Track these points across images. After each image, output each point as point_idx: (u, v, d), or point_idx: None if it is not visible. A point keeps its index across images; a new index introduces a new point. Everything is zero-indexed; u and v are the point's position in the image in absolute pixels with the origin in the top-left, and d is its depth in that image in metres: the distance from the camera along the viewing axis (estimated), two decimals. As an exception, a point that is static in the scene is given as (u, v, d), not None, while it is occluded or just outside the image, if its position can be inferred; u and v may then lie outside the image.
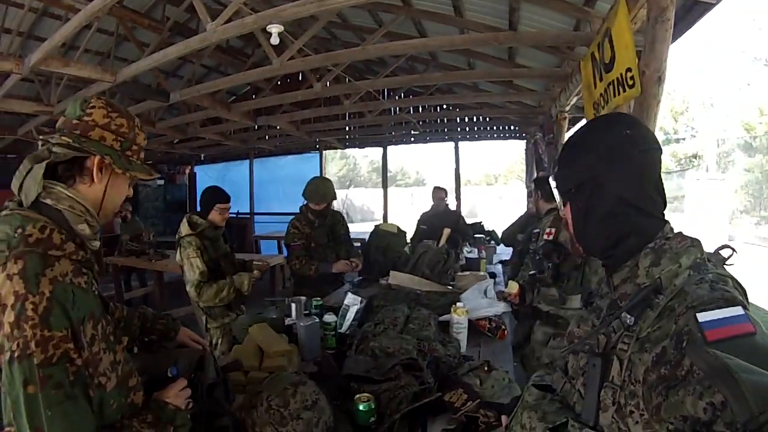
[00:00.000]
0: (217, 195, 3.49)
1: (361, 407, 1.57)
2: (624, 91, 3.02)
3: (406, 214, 19.49)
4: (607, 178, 1.05)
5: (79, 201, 1.21)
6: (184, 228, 3.37)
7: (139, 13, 5.75)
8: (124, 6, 5.38)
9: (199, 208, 3.52)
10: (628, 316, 0.94)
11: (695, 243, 0.97)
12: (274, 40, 4.13)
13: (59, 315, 1.05)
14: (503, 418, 1.31)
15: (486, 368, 1.96)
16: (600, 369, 0.95)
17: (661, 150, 1.08)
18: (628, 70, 2.94)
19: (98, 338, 1.13)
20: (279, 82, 9.17)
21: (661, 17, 2.69)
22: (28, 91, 7.18)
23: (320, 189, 4.09)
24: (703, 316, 0.79)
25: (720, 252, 0.98)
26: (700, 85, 26.32)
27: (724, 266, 0.96)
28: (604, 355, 0.97)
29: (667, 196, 1.10)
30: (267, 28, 3.97)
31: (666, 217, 1.07)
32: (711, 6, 3.39)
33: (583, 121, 7.86)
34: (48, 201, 1.18)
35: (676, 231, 1.03)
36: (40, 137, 1.28)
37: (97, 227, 1.26)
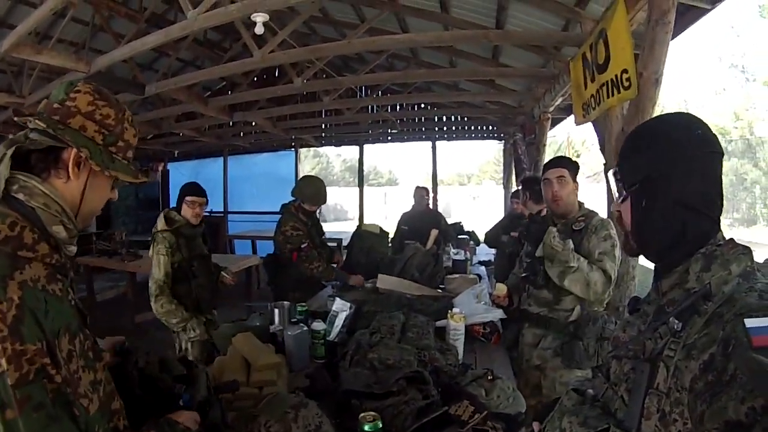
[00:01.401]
0: (187, 188, 3.36)
1: (366, 428, 1.42)
2: (619, 92, 2.99)
3: (380, 213, 19.53)
4: (671, 176, 1.01)
5: (55, 199, 1.04)
6: (160, 223, 3.25)
7: (115, 2, 5.52)
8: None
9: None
10: (676, 321, 0.91)
11: (746, 251, 0.95)
12: (259, 29, 3.96)
13: (32, 325, 0.89)
14: (535, 424, 1.27)
15: (490, 377, 1.87)
16: (647, 375, 0.92)
17: (723, 154, 1.04)
18: (624, 71, 2.89)
19: (76, 355, 0.96)
20: (256, 78, 9.00)
21: (662, 20, 2.67)
22: (-1, 82, 6.89)
23: (322, 191, 4.00)
24: (750, 322, 0.76)
25: None
26: (675, 88, 26.93)
27: None
28: (651, 361, 0.93)
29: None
30: (252, 17, 3.81)
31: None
32: (705, 11, 3.39)
33: (566, 122, 7.90)
34: (20, 196, 1.01)
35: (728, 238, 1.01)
36: (15, 118, 1.11)
37: (75, 231, 1.09)
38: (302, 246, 3.90)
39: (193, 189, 3.34)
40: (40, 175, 1.05)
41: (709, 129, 1.03)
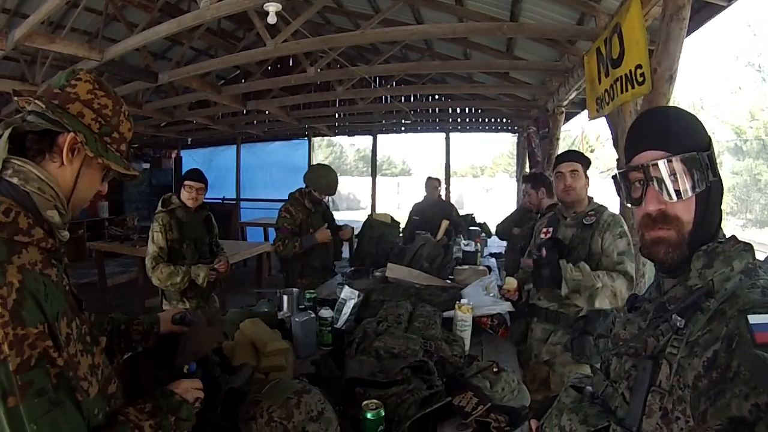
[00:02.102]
0: (187, 173, 3.56)
1: (369, 415, 1.45)
2: (633, 87, 2.96)
3: (392, 203, 19.51)
4: (718, 178, 1.00)
5: (49, 184, 1.05)
6: (159, 205, 3.52)
7: (128, -9, 5.56)
8: (115, -18, 5.20)
9: None
10: (679, 318, 0.91)
11: (748, 248, 0.94)
12: (271, 19, 3.96)
13: (32, 308, 0.89)
14: (533, 422, 1.27)
15: (495, 369, 1.86)
16: (650, 372, 0.92)
17: None
18: (639, 66, 2.87)
19: (74, 338, 0.97)
20: (269, 67, 9.00)
21: (677, 15, 2.65)
22: (13, 71, 6.96)
23: (334, 183, 4.03)
24: (754, 319, 0.76)
25: None
26: (690, 86, 26.57)
27: None
28: (653, 358, 0.93)
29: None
30: (264, 6, 3.81)
31: None
32: (721, 8, 3.34)
33: (580, 116, 7.83)
34: (14, 180, 1.02)
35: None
36: (15, 98, 1.12)
37: (67, 217, 1.10)
38: (281, 227, 3.97)
39: (191, 174, 3.53)
40: (34, 159, 1.06)
41: None
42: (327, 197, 4.13)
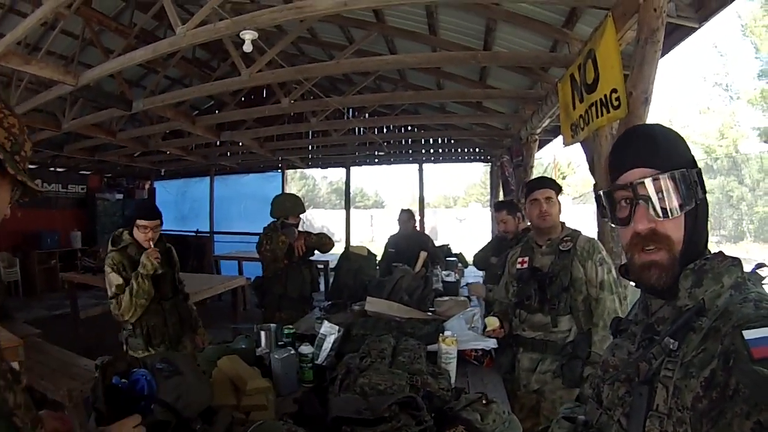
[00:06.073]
0: (138, 209, 3.13)
1: (358, 456, 1.37)
2: (608, 112, 2.98)
3: (366, 235, 19.45)
4: (704, 196, 0.99)
5: None
6: (109, 244, 3.09)
7: (106, 16, 5.51)
8: (92, 8, 5.13)
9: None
10: (672, 340, 0.88)
11: (736, 262, 0.93)
12: (248, 47, 3.92)
13: None
14: None
15: (485, 401, 1.80)
16: (646, 398, 0.89)
17: None
18: (614, 90, 2.89)
19: None
20: (243, 98, 8.97)
21: (651, 38, 2.67)
22: (-13, 94, 6.80)
23: (297, 201, 4.17)
24: (749, 334, 0.75)
25: (757, 271, 0.93)
26: (660, 107, 27.41)
27: (762, 285, 0.91)
28: (648, 382, 0.90)
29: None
30: (240, 34, 3.78)
31: None
32: (692, 30, 3.40)
33: (552, 144, 7.92)
34: None
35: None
36: None
37: None
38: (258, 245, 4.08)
39: (143, 210, 3.11)
40: None
41: None
42: (299, 222, 4.21)
